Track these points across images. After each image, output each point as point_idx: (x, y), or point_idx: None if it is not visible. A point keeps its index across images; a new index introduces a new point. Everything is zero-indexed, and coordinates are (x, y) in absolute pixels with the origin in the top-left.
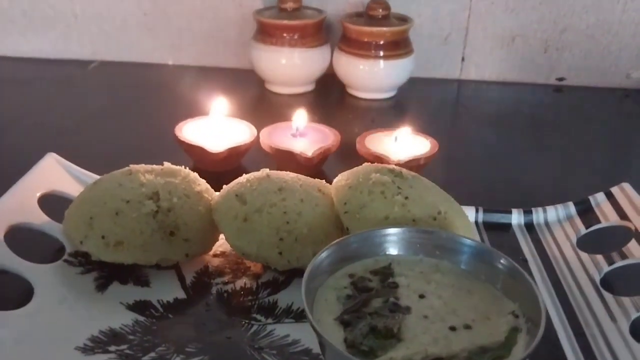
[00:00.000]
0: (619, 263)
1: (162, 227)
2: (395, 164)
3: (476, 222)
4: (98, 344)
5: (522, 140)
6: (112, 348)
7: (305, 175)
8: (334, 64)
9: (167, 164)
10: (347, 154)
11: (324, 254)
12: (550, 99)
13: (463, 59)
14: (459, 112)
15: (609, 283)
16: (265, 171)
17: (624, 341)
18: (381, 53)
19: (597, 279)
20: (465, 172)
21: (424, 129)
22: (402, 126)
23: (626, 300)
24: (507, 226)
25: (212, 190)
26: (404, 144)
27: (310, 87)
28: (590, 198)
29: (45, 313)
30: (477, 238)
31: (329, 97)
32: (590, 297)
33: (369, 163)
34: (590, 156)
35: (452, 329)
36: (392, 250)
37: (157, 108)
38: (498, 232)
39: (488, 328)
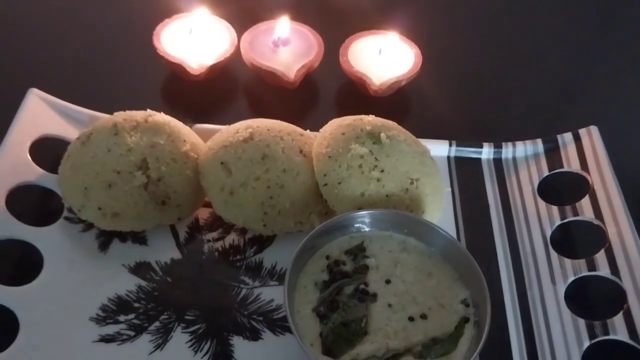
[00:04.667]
0: (570, 218)
1: (154, 197)
2: (377, 89)
3: (448, 157)
4: (109, 313)
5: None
6: (122, 318)
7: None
8: None
9: (151, 116)
10: (331, 70)
11: (305, 243)
12: None
13: None
14: None
15: (558, 239)
16: (249, 129)
17: (557, 305)
18: None
19: (548, 233)
20: (447, 89)
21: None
22: None
23: (568, 262)
24: (477, 161)
25: (199, 141)
26: (387, 57)
27: None
28: (559, 137)
29: (57, 282)
30: (448, 187)
31: None
32: (539, 255)
33: (351, 120)
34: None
35: (411, 319)
36: (366, 227)
37: None
38: (467, 168)
39: (441, 318)
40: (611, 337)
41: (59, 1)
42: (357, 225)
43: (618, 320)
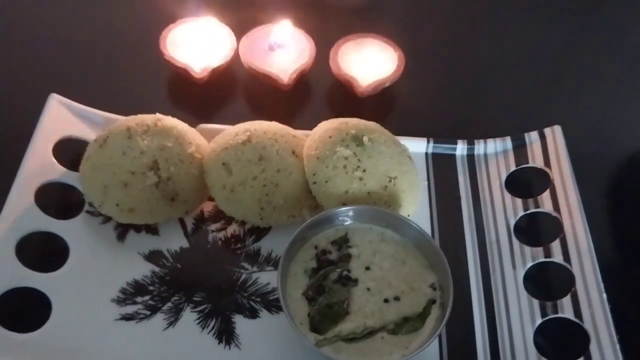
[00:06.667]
0: (532, 210)
1: (165, 195)
2: (363, 90)
3: (426, 154)
4: (128, 295)
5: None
6: (139, 299)
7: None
8: None
9: (160, 120)
10: (322, 72)
11: (296, 235)
12: None
13: None
14: None
15: (520, 228)
16: (247, 132)
17: (516, 287)
18: None
19: (512, 223)
20: (427, 90)
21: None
22: None
23: (527, 249)
24: (452, 157)
25: (203, 142)
26: (373, 60)
27: None
28: (526, 135)
29: (82, 268)
30: (424, 181)
31: None
32: (502, 242)
33: (337, 123)
34: None
35: (386, 301)
36: (350, 221)
37: None
38: (443, 163)
39: (412, 299)
40: (560, 315)
41: (72, 15)
42: (342, 218)
43: (566, 301)
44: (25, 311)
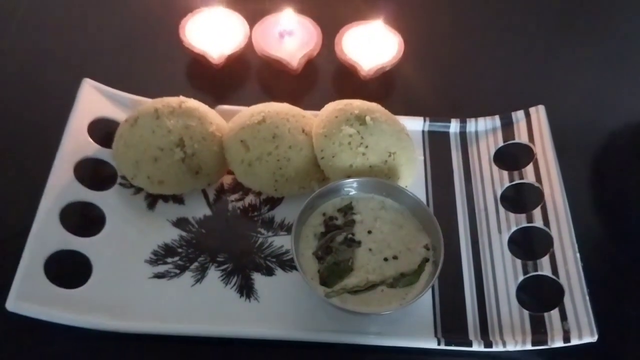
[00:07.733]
0: (517, 181)
1: (190, 169)
2: (366, 74)
3: (422, 131)
4: (159, 256)
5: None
6: (169, 260)
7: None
8: None
9: (184, 102)
10: (328, 57)
11: (307, 203)
12: None
13: None
14: None
15: (506, 197)
16: (261, 113)
17: (501, 249)
18: None
19: (499, 193)
20: (424, 73)
21: None
22: None
23: (511, 215)
24: (446, 134)
25: (222, 122)
26: (375, 45)
27: None
28: (513, 114)
29: (117, 234)
30: (421, 156)
31: None
32: (490, 209)
33: (343, 104)
34: None
35: (385, 259)
36: (354, 191)
37: None
38: (438, 139)
39: (408, 258)
40: (539, 273)
41: (103, 6)
42: (347, 189)
43: (545, 260)
44: (70, 270)
